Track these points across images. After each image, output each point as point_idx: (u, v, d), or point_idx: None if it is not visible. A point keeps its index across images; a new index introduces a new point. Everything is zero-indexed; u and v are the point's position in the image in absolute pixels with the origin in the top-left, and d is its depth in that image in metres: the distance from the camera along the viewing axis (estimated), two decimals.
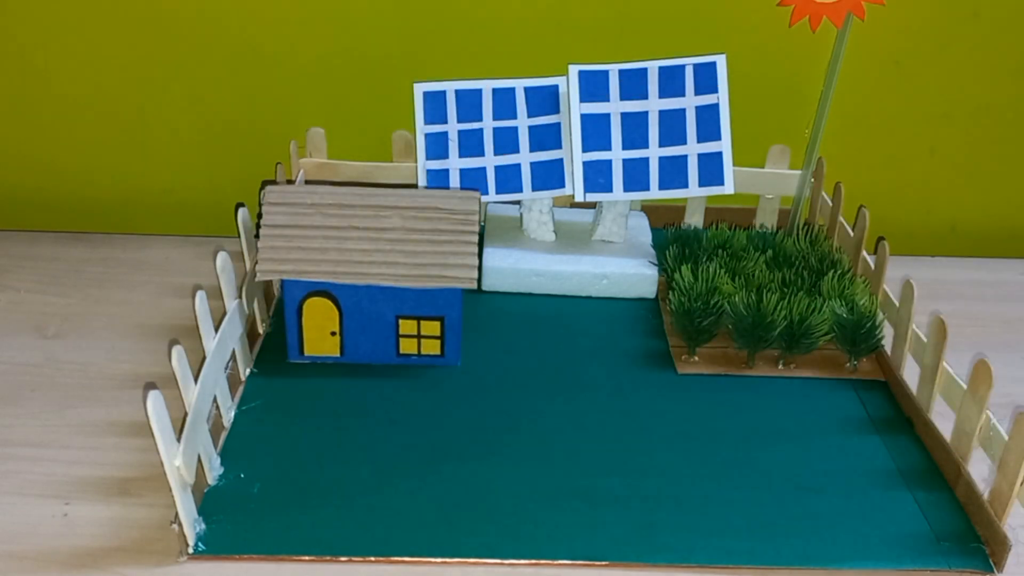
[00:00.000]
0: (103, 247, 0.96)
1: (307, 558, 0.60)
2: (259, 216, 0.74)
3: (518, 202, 0.91)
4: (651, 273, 0.88)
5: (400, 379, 0.77)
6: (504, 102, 0.87)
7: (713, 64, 0.85)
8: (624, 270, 0.88)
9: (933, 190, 1.10)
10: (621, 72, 0.85)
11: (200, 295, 0.66)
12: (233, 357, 0.73)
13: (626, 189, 0.86)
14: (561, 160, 0.88)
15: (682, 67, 0.85)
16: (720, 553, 0.62)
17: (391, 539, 0.61)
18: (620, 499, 0.66)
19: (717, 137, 0.86)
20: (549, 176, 0.88)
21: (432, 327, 0.76)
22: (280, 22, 0.96)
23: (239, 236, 0.79)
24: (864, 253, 0.87)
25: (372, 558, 0.60)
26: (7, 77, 0.98)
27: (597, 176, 0.86)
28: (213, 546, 0.60)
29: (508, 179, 0.88)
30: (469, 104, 0.87)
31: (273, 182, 0.88)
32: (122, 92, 0.99)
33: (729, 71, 0.85)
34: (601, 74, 0.85)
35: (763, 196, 0.99)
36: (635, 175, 0.86)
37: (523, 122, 0.88)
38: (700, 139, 0.86)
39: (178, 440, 0.58)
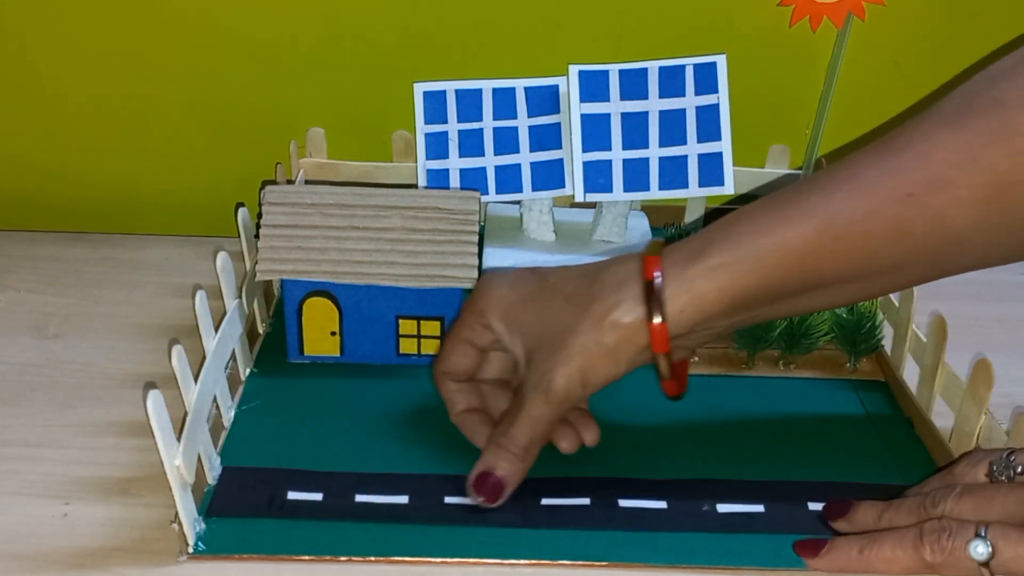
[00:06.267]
0: (103, 247, 0.96)
1: (307, 558, 0.60)
2: (259, 216, 0.74)
3: (518, 202, 0.91)
4: None
5: (400, 379, 0.77)
6: (504, 102, 0.87)
7: (713, 64, 0.85)
8: None
9: None
10: (621, 72, 0.85)
11: (200, 295, 0.66)
12: (233, 357, 0.73)
13: (626, 189, 0.86)
14: (561, 160, 0.88)
15: (682, 67, 0.85)
16: (720, 553, 0.62)
17: (391, 539, 0.61)
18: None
19: (717, 137, 0.85)
20: (549, 176, 0.88)
21: (432, 327, 0.76)
22: (280, 21, 0.96)
23: (239, 236, 0.79)
24: None
25: (372, 558, 0.60)
26: (6, 76, 0.98)
27: (597, 176, 0.86)
28: (213, 546, 0.60)
29: (508, 179, 0.88)
30: (469, 104, 0.87)
31: (273, 182, 0.88)
32: (122, 92, 0.99)
33: (729, 71, 0.85)
34: (601, 74, 0.85)
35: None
36: (635, 175, 0.86)
37: (523, 122, 0.88)
38: (700, 139, 0.86)
39: (178, 440, 0.58)
